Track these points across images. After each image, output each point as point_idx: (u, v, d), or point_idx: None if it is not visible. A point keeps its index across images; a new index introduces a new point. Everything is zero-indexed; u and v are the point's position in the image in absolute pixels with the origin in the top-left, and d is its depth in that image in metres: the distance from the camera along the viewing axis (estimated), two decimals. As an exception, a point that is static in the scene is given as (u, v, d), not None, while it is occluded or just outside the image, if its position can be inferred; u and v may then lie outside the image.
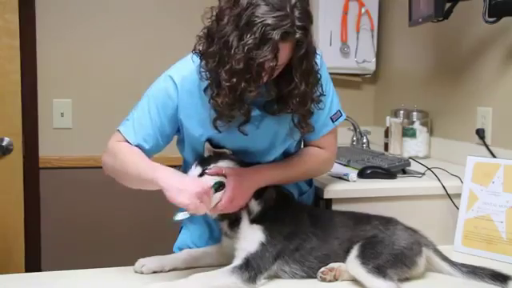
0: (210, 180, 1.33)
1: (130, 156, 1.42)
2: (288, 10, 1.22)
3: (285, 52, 1.25)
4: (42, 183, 2.67)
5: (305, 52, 1.27)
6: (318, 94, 1.40)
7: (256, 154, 1.48)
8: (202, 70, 1.33)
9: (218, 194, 1.33)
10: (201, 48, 1.32)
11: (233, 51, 1.21)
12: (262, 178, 1.41)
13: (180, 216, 1.25)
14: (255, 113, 1.39)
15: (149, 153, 1.46)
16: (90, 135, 2.70)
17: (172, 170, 1.34)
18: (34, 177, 2.65)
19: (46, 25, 2.63)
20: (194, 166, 1.39)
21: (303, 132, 1.45)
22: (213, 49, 1.27)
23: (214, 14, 1.28)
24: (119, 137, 1.47)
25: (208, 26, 1.29)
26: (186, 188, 1.25)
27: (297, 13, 1.23)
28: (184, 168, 1.56)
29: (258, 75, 1.23)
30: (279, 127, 1.45)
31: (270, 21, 1.20)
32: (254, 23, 1.20)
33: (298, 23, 1.23)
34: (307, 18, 1.26)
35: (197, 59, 1.35)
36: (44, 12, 2.62)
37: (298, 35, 1.24)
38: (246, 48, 1.20)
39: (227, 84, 1.24)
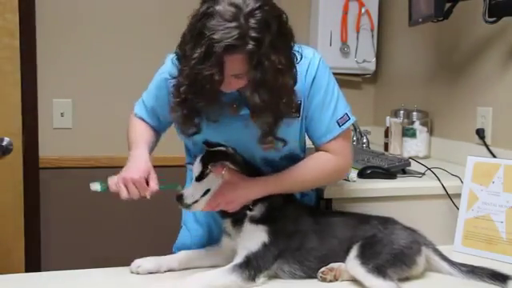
0: (195, 193, 1.36)
1: (130, 131, 1.57)
2: (242, 20, 1.18)
3: (235, 64, 1.22)
4: (42, 183, 2.67)
5: (257, 63, 1.21)
6: (289, 108, 1.33)
7: (249, 155, 1.45)
8: (168, 76, 1.36)
9: (204, 199, 1.37)
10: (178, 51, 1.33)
11: (182, 66, 1.24)
12: (258, 191, 1.39)
13: (95, 186, 1.38)
14: (244, 111, 1.37)
15: (154, 126, 1.60)
16: (90, 135, 2.70)
17: (141, 152, 1.43)
18: (34, 177, 2.64)
19: (46, 25, 2.63)
20: (197, 161, 1.39)
21: (264, 148, 1.38)
22: (178, 56, 1.30)
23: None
24: None
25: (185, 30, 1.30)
26: (122, 171, 1.36)
27: (252, 22, 1.19)
28: (186, 152, 1.61)
29: (203, 89, 1.22)
30: None
31: (216, 35, 1.17)
32: (203, 36, 1.19)
33: (251, 34, 1.19)
34: (264, 27, 1.20)
35: (175, 61, 1.35)
36: (44, 12, 2.62)
37: (248, 47, 1.19)
38: (192, 62, 1.20)
39: (176, 100, 1.30)
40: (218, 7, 1.19)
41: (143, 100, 1.60)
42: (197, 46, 1.20)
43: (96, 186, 1.36)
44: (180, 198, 1.36)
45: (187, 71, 1.22)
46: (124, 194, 1.33)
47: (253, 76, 1.24)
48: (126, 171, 1.36)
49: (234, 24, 1.18)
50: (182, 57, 1.27)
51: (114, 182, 1.34)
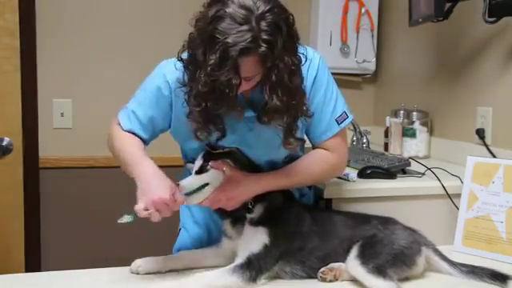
0: (192, 183, 1.33)
1: (122, 144, 1.45)
2: (253, 23, 1.18)
3: (248, 66, 1.22)
4: (42, 183, 2.67)
5: (272, 65, 1.22)
6: (303, 108, 1.34)
7: (254, 158, 1.45)
8: (179, 84, 1.33)
9: (202, 193, 1.34)
10: (182, 56, 1.32)
11: (197, 74, 1.21)
12: (260, 188, 1.39)
13: (124, 219, 1.30)
14: (249, 113, 1.37)
15: (145, 140, 1.49)
16: (89, 135, 2.69)
17: (152, 167, 1.34)
18: (33, 177, 2.64)
19: (46, 25, 2.63)
20: (198, 158, 1.39)
21: (287, 148, 1.39)
22: (187, 61, 1.28)
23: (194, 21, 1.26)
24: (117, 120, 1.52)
25: (190, 33, 1.28)
26: (147, 194, 1.28)
27: (263, 25, 1.19)
28: (183, 156, 1.59)
29: (223, 94, 1.21)
30: (272, 134, 1.39)
31: (230, 38, 1.17)
32: (215, 40, 1.18)
33: (263, 36, 1.19)
34: (276, 29, 1.20)
35: (179, 66, 1.34)
36: (44, 12, 2.62)
37: (261, 49, 1.19)
38: (209, 69, 1.18)
39: (197, 109, 1.26)
40: (228, 10, 1.18)
41: (133, 111, 1.48)
42: (210, 50, 1.18)
43: (125, 219, 1.30)
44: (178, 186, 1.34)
45: (204, 78, 1.20)
46: (156, 218, 1.27)
47: (269, 79, 1.24)
48: (149, 192, 1.28)
49: (246, 27, 1.18)
50: (193, 62, 1.25)
51: (141, 208, 1.27)
